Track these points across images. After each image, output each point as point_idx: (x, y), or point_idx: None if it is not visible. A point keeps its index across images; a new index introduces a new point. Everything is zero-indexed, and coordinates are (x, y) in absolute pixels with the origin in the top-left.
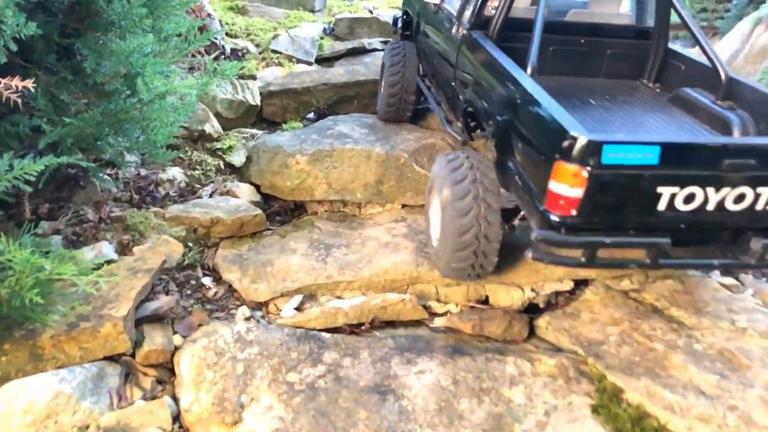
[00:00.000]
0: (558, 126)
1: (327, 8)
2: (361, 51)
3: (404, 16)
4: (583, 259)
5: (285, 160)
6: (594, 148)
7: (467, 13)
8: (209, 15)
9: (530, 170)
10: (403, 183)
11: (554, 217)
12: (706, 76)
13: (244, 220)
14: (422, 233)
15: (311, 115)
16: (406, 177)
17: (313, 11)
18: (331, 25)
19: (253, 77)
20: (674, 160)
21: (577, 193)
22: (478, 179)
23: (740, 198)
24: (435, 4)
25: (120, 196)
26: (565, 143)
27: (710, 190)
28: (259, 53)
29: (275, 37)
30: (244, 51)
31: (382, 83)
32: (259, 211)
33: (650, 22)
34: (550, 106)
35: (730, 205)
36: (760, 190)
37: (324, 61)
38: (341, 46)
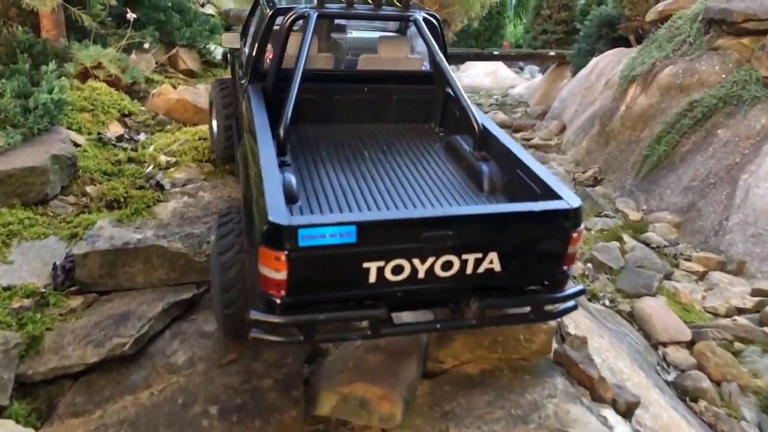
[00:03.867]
0: (263, 207)
1: None
2: None
3: (228, 51)
4: (301, 337)
5: None
6: (289, 232)
7: (247, 64)
8: None
9: (251, 249)
10: None
11: (268, 298)
12: (471, 124)
13: None
14: None
15: None
16: None
17: None
18: None
19: None
20: (372, 238)
21: (282, 275)
22: (246, 248)
23: (448, 265)
24: (236, 49)
25: None
26: (265, 228)
27: (416, 261)
28: None
29: None
30: None
31: (216, 123)
32: None
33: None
34: (267, 183)
35: (440, 272)
36: (465, 256)
37: None
38: None
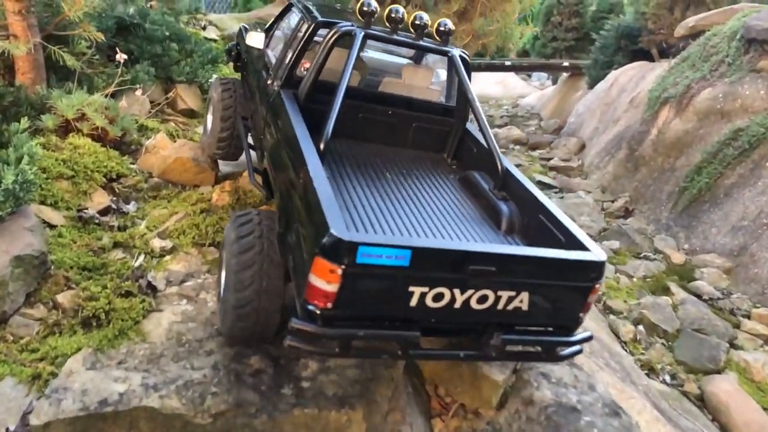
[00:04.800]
0: (323, 219)
1: None
2: None
3: (237, 46)
4: (337, 350)
5: None
6: (349, 248)
7: (280, 69)
8: None
9: (298, 254)
10: None
11: (312, 308)
12: (489, 162)
13: None
14: None
15: None
16: None
17: None
18: None
19: None
20: (424, 264)
21: (333, 288)
22: (265, 234)
23: (483, 299)
24: (258, 50)
25: None
26: (325, 239)
27: (456, 291)
28: None
29: None
30: None
31: (212, 119)
32: None
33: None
34: (321, 193)
35: (474, 305)
36: (500, 293)
37: None
38: None
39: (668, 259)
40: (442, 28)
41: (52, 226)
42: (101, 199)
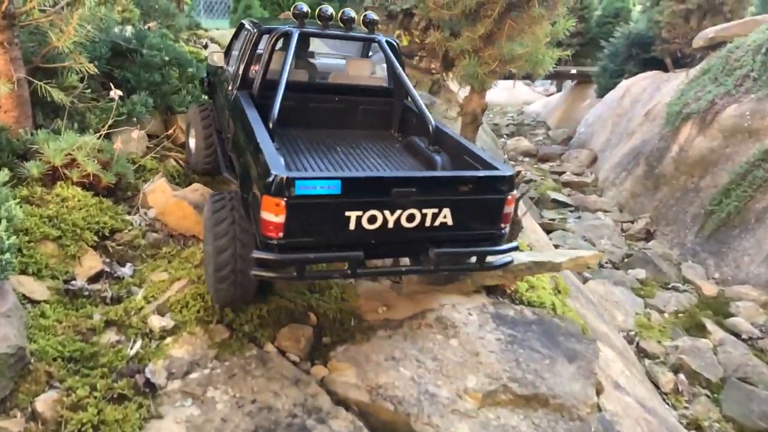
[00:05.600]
0: (266, 166)
1: None
2: None
3: (208, 77)
4: (294, 274)
5: None
6: (287, 183)
7: (236, 76)
8: None
9: (253, 203)
10: None
11: (267, 240)
12: (426, 126)
13: None
14: None
15: None
16: None
17: None
18: None
19: None
20: (354, 191)
21: (281, 219)
22: (236, 207)
23: (411, 217)
24: (220, 67)
25: None
26: (269, 179)
27: (387, 212)
28: None
29: None
30: None
31: (194, 140)
32: None
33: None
34: (265, 150)
35: (405, 223)
36: (425, 210)
37: None
38: None
39: (699, 290)
40: (367, 20)
41: (34, 303)
42: (92, 262)
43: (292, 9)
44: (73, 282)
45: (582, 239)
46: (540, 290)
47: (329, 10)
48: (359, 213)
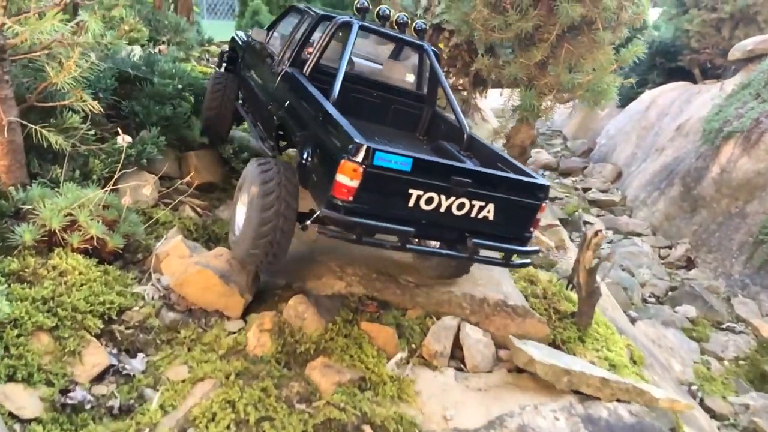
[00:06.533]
0: (347, 135)
1: None
2: None
3: (230, 52)
4: (353, 237)
5: None
6: (369, 152)
7: (287, 54)
8: None
9: (324, 168)
10: None
11: (337, 201)
12: (456, 134)
13: None
14: None
15: None
16: None
17: None
18: None
19: None
20: (421, 171)
21: (355, 183)
22: (283, 182)
23: (461, 206)
24: (260, 43)
25: None
26: (351, 146)
27: (443, 196)
28: None
29: None
30: None
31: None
32: None
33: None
34: (342, 122)
35: (455, 211)
36: (474, 202)
37: None
38: None
39: (757, 331)
40: (418, 28)
41: (23, 421)
42: (96, 357)
43: (354, 3)
44: (71, 393)
45: (620, 269)
46: (622, 369)
47: (387, 10)
48: (420, 192)
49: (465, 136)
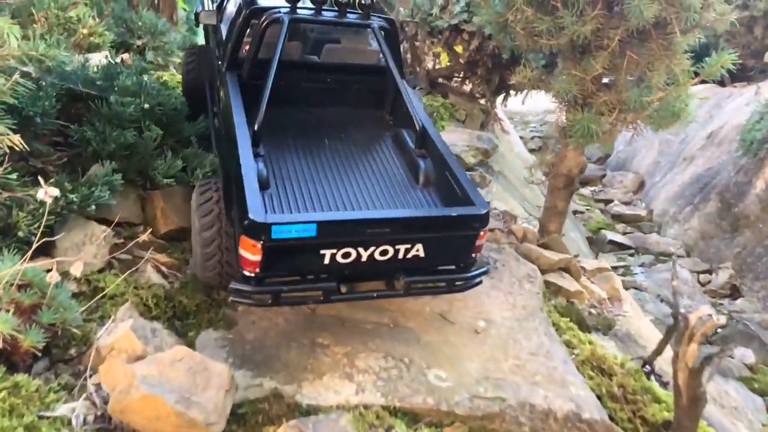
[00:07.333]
0: (244, 205)
1: None
2: None
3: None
4: (269, 301)
5: None
6: (264, 228)
7: (225, 51)
8: None
9: (236, 229)
10: None
11: (245, 273)
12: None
13: None
14: None
15: None
16: None
17: None
18: None
19: None
20: (328, 232)
21: (257, 257)
22: (222, 201)
23: (385, 252)
24: (213, 26)
25: None
26: (246, 222)
27: (360, 249)
28: None
29: None
30: None
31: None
32: None
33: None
34: (247, 182)
35: (378, 257)
36: (398, 246)
37: None
38: None
39: None
40: (363, 2)
41: None
42: None
43: None
44: None
45: (658, 299)
46: None
47: None
48: (333, 251)
49: (417, 129)
